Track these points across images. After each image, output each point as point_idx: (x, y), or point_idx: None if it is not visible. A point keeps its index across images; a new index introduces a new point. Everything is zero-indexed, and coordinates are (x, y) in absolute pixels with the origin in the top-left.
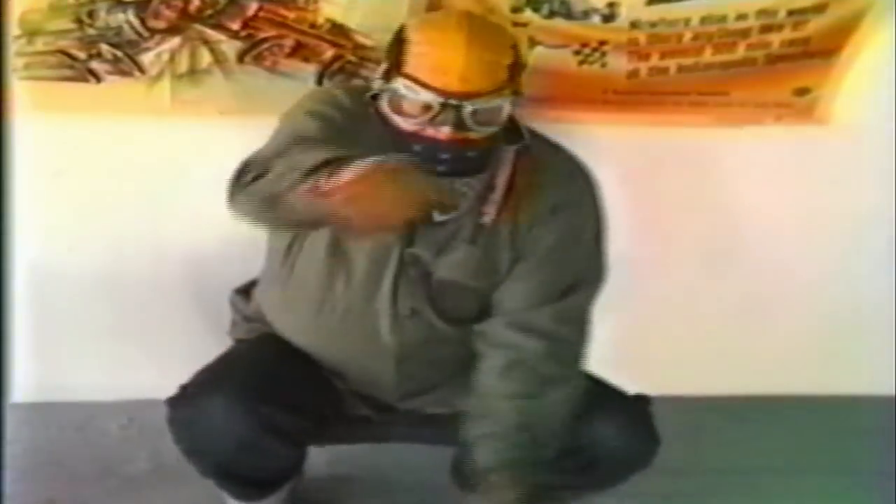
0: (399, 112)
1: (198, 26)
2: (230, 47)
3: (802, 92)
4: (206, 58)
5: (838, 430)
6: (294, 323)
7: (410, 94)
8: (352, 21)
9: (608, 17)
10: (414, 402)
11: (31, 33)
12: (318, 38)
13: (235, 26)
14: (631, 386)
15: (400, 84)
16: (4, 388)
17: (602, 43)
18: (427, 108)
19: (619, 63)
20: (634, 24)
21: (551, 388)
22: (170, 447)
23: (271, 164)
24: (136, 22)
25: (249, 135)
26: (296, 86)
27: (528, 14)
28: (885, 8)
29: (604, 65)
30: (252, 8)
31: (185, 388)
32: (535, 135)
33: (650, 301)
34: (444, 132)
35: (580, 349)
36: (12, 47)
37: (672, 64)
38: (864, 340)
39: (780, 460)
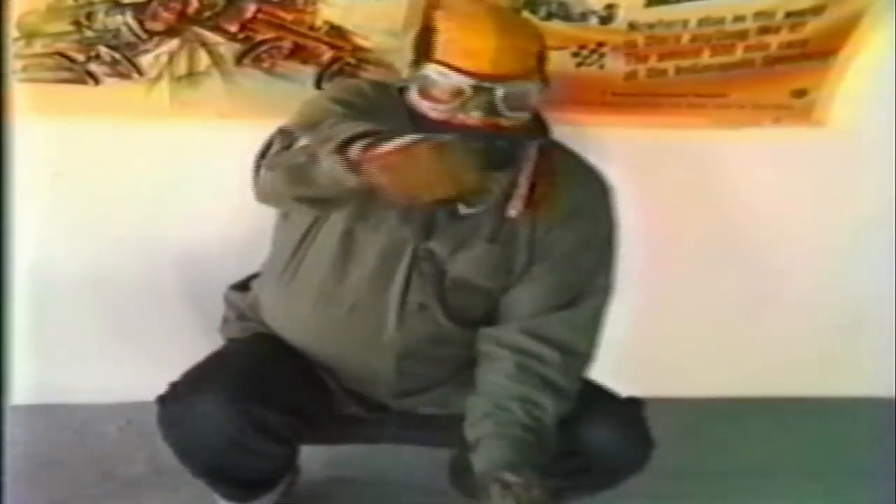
0: (429, 98)
1: (196, 28)
2: (228, 49)
3: (800, 93)
4: (204, 60)
5: (837, 433)
6: (296, 315)
7: (442, 79)
8: (350, 23)
9: (606, 19)
10: (409, 401)
11: (29, 35)
12: (316, 40)
13: (233, 28)
14: (629, 387)
15: (431, 70)
16: (4, 390)
17: (600, 45)
18: (458, 92)
19: (617, 65)
20: (632, 26)
21: (555, 398)
22: (168, 449)
23: (298, 137)
24: (134, 24)
25: (248, 137)
26: (294, 88)
27: (525, 16)
28: (882, 10)
29: (602, 66)
30: (250, 10)
31: (175, 387)
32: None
33: (649, 302)
34: (475, 117)
35: (587, 363)
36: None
37: (670, 66)
38: (863, 342)
39: (778, 462)
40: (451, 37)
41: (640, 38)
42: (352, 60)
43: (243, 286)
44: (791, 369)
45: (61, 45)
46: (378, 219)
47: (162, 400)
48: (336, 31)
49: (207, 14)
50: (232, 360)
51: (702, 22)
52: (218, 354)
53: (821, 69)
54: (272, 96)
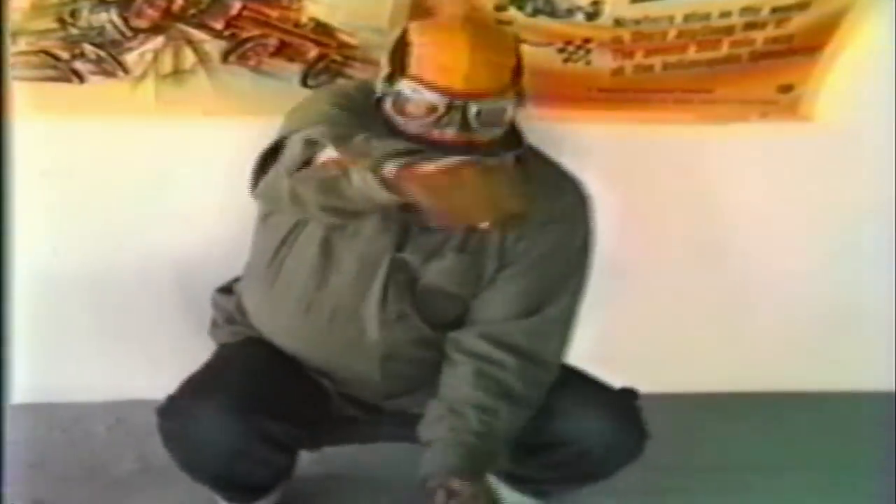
0: (403, 114)
1: (181, 26)
2: (214, 47)
3: (786, 88)
4: (189, 58)
5: (832, 427)
6: (279, 323)
7: (415, 96)
8: (336, 20)
9: (592, 15)
10: (399, 402)
11: (13, 33)
12: (302, 38)
13: (219, 26)
14: (620, 383)
15: (404, 86)
16: (4, 390)
17: (586, 41)
18: (432, 109)
19: (603, 61)
20: (618, 22)
21: (511, 405)
22: (157, 448)
23: (325, 148)
24: (118, 21)
25: (234, 135)
26: (280, 85)
27: (512, 12)
28: (867, 4)
29: (588, 63)
30: (235, 7)
31: (174, 399)
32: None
33: (638, 298)
34: (449, 134)
35: (550, 371)
36: None
37: (657, 61)
38: (856, 337)
39: (772, 457)
40: (424, 52)
41: (626, 34)
42: (338, 58)
43: (228, 289)
44: (784, 364)
45: (46, 43)
46: (355, 227)
47: (162, 412)
48: (322, 29)
49: (192, 11)
50: (230, 370)
51: (688, 18)
52: (214, 363)
53: (807, 64)
54: (258, 94)
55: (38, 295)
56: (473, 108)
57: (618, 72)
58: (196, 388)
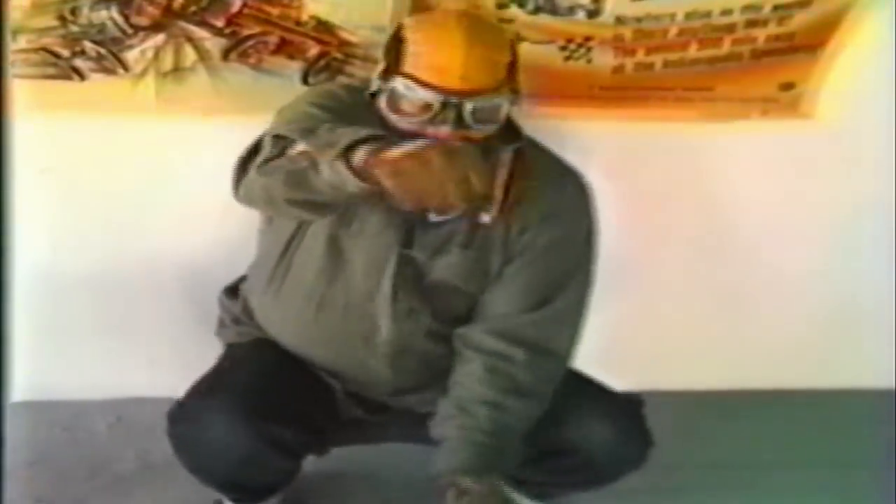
0: (398, 111)
1: (182, 23)
2: (214, 45)
3: (788, 86)
4: (190, 55)
5: (833, 425)
6: (289, 322)
7: (410, 94)
8: (336, 18)
9: (593, 13)
10: (407, 399)
11: (13, 31)
12: (302, 35)
13: (220, 23)
14: (622, 381)
15: (399, 83)
16: (5, 388)
17: (587, 38)
18: (427, 107)
19: (604, 59)
20: (620, 20)
21: (523, 400)
22: (158, 446)
23: (294, 142)
24: (119, 19)
25: (234, 133)
26: (281, 83)
27: (513, 10)
28: (868, 3)
29: (589, 60)
30: (236, 5)
31: (183, 405)
32: (528, 139)
33: (640, 295)
34: (444, 131)
35: (561, 364)
36: None
37: (658, 59)
38: (856, 334)
39: (773, 455)
40: (419, 50)
41: (627, 32)
42: (339, 55)
43: (234, 291)
44: (785, 361)
45: (46, 41)
46: (361, 224)
47: (172, 418)
48: (323, 26)
49: (193, 9)
50: (239, 374)
51: (689, 15)
52: (223, 367)
53: (808, 62)
54: (259, 92)
55: (38, 292)
56: (468, 106)
57: (619, 70)
58: (206, 393)
